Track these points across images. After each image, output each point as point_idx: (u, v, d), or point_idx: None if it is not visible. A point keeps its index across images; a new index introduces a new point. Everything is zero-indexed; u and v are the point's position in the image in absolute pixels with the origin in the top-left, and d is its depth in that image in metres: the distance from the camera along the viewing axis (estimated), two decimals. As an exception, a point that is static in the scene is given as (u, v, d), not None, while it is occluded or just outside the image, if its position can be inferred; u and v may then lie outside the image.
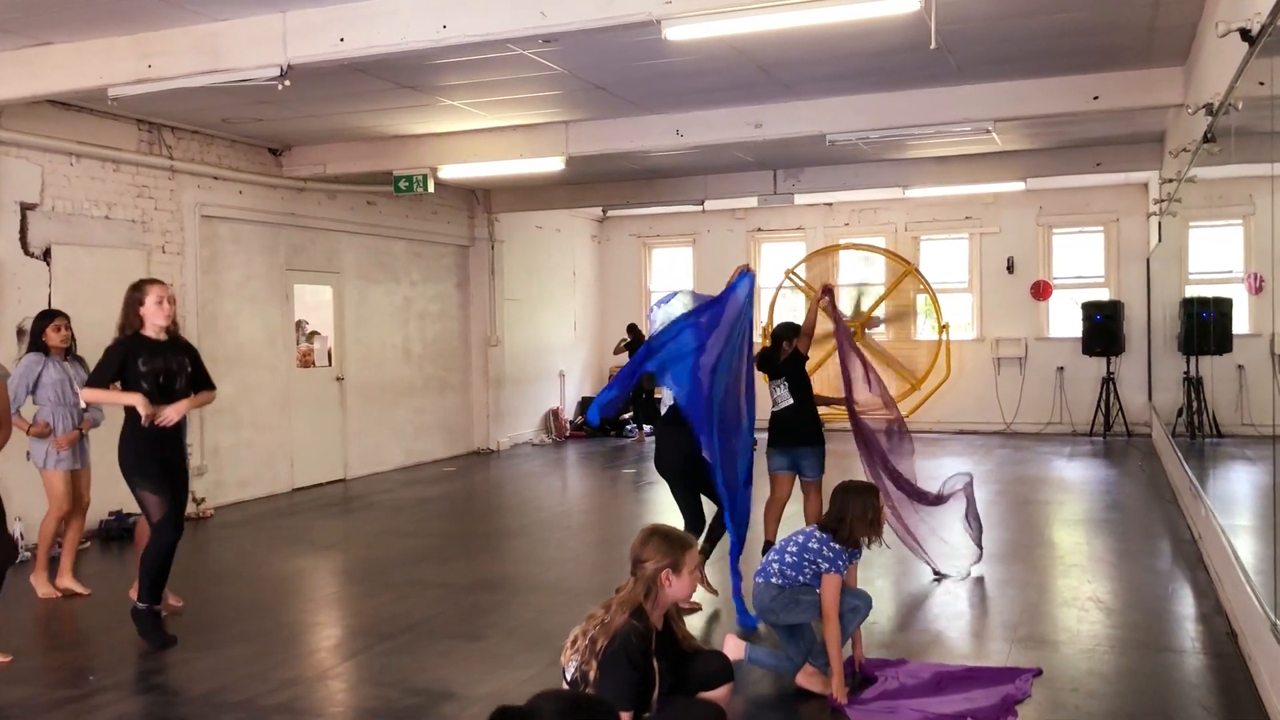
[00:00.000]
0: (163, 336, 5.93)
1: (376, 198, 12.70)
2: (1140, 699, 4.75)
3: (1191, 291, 10.16)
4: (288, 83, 6.81)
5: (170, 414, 5.78)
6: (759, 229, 17.63)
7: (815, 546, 4.87)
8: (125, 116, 9.47)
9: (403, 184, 11.11)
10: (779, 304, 16.47)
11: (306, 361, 12.05)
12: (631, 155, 11.70)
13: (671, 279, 18.42)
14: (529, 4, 6.11)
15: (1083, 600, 6.43)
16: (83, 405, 6.84)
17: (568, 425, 16.77)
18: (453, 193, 14.29)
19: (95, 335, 7.19)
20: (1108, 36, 7.68)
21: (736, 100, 9.49)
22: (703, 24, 5.92)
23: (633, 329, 16.41)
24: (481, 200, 14.85)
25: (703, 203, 14.91)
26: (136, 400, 5.70)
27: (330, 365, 12.36)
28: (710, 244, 17.83)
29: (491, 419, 14.97)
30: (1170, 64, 8.38)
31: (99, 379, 5.75)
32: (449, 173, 11.29)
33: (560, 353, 17.06)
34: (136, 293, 5.89)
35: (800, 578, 4.87)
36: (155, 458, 5.77)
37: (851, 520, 4.85)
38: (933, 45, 5.80)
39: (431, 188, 11.11)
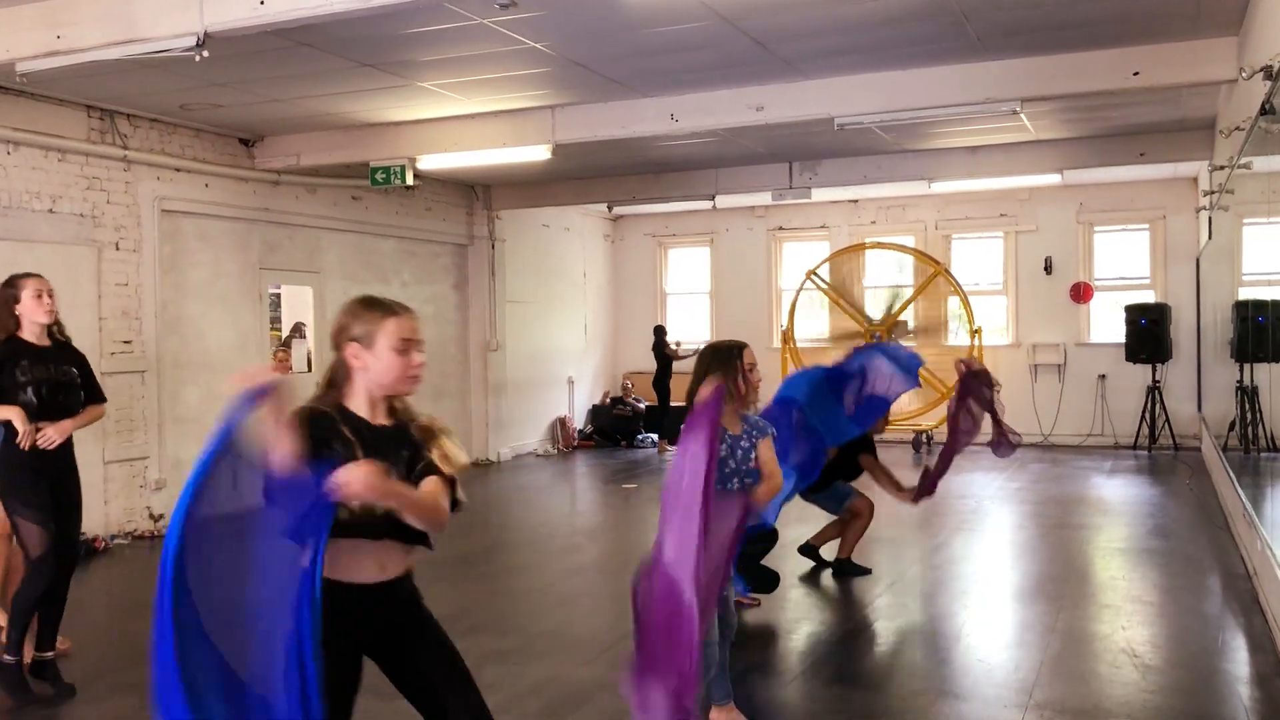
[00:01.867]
0: (45, 341, 5.15)
1: (362, 193, 11.92)
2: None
3: (1245, 294, 9.16)
4: (206, 54, 6.01)
5: (53, 434, 5.00)
6: (780, 227, 16.69)
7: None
8: (72, 102, 8.76)
9: (379, 175, 10.31)
10: (799, 307, 15.51)
11: (284, 366, 11.29)
12: (635, 146, 10.83)
13: (688, 280, 17.54)
14: (464, -44, 5.28)
15: (1115, 653, 5.46)
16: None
17: (576, 434, 15.92)
18: (449, 189, 13.50)
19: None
20: (1150, 1, 6.71)
21: (735, 80, 8.60)
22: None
23: (659, 330, 15.55)
24: (481, 196, 14.05)
25: (713, 198, 14.02)
26: (12, 415, 4.92)
27: (310, 370, 11.60)
28: (729, 243, 16.93)
29: (491, 428, 14.14)
30: (1222, 34, 7.36)
31: None
32: (430, 163, 10.47)
33: (570, 358, 16.21)
34: (9, 289, 5.10)
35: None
36: (38, 481, 4.99)
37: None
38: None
39: (410, 180, 10.29)
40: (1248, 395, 8.79)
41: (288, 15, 5.79)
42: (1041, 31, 7.31)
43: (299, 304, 12.29)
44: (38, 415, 4.95)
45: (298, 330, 12.50)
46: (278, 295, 12.29)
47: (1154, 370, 14.05)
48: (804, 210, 16.06)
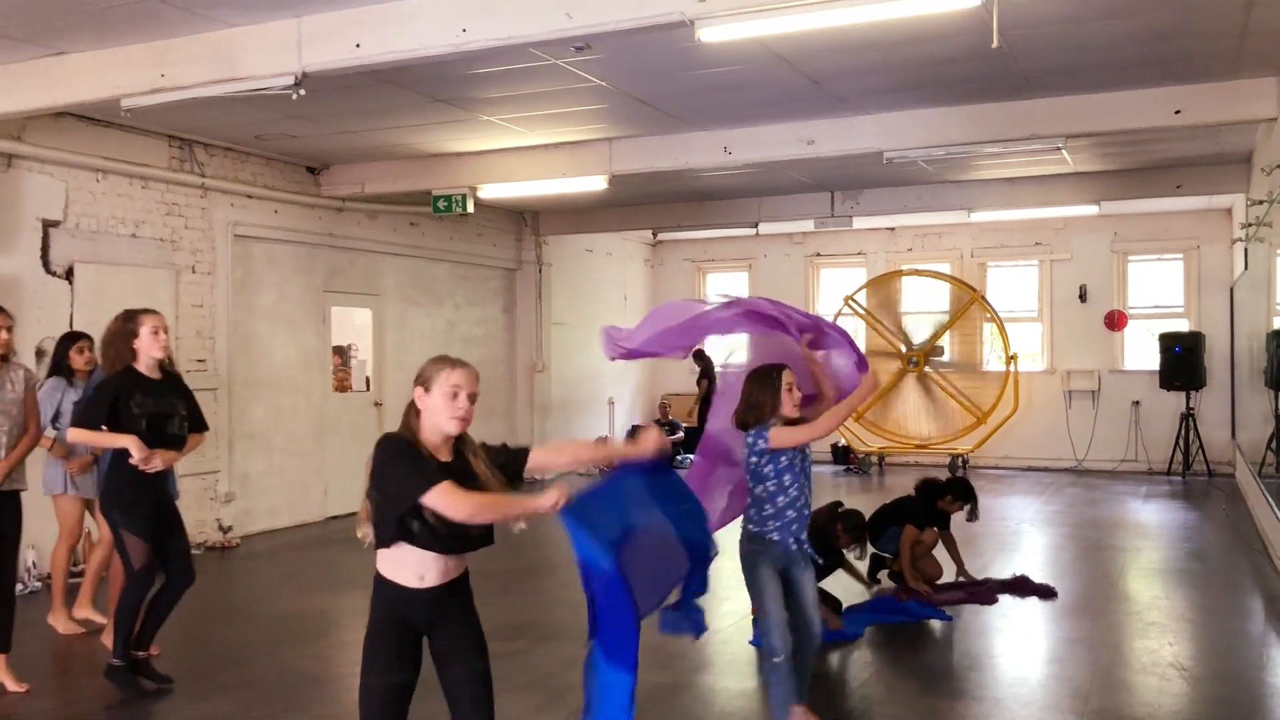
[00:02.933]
0: (156, 374, 5.51)
1: (419, 219, 12.34)
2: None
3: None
4: (302, 92, 6.42)
5: (159, 464, 5.36)
6: (817, 254, 17.03)
7: (745, 451, 4.65)
8: (155, 132, 9.22)
9: (441, 204, 10.73)
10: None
11: (343, 386, 11.69)
12: (682, 175, 11.20)
13: (727, 305, 17.86)
14: (553, 6, 5.66)
15: (1163, 667, 5.73)
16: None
17: (617, 454, 16.23)
18: (499, 214, 13.91)
19: None
20: (1193, 43, 7.03)
21: (788, 115, 8.96)
22: (738, 24, 5.41)
23: (699, 355, 15.87)
24: (529, 222, 14.46)
25: (756, 225, 14.34)
26: (129, 442, 5.26)
27: (368, 390, 12.00)
28: (767, 269, 17.27)
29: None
30: (1262, 74, 7.67)
31: (89, 419, 5.31)
32: (490, 192, 10.89)
33: (610, 380, 16.55)
34: (129, 323, 5.46)
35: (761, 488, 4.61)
36: (148, 500, 5.37)
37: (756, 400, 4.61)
38: (994, 44, 5.23)
39: (471, 208, 10.70)
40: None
41: (383, 57, 6.20)
42: (1087, 72, 7.63)
43: (347, 326, 12.67)
44: (147, 444, 5.30)
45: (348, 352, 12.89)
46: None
47: (1187, 397, 14.25)
48: (841, 237, 16.39)
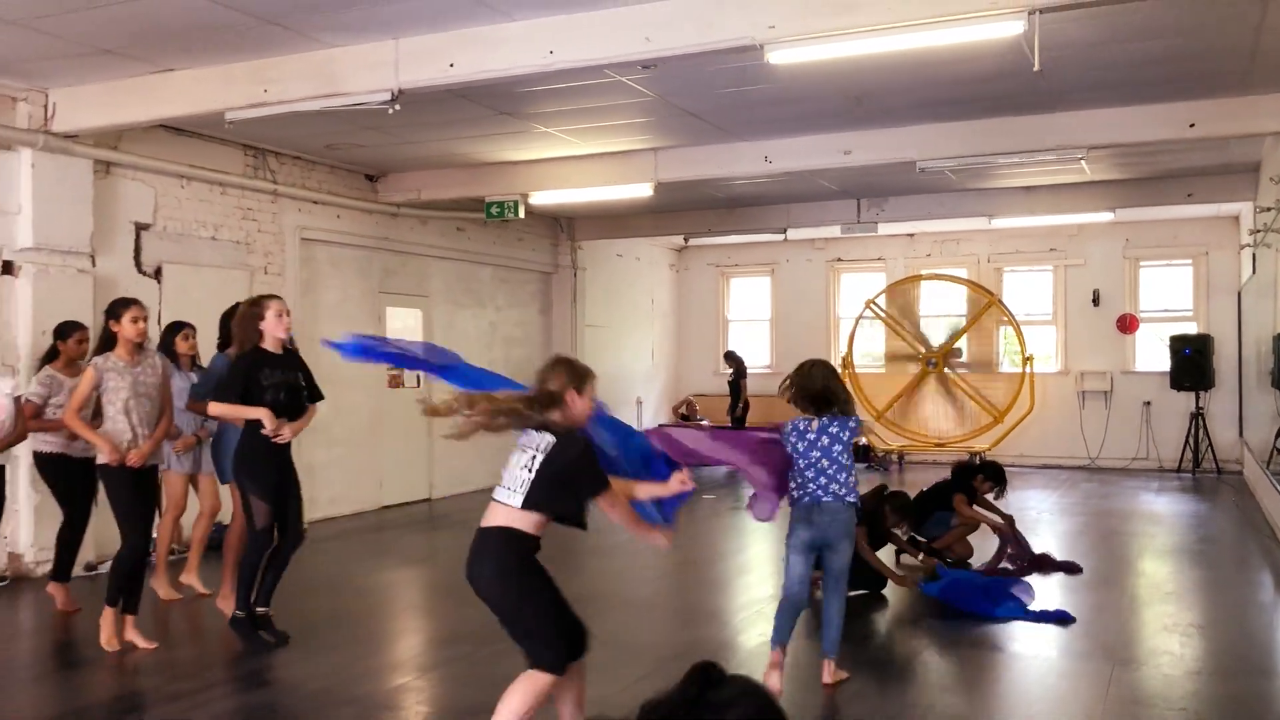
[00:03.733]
0: (279, 350, 6.14)
1: (466, 224, 12.98)
2: (1251, 723, 4.69)
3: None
4: (398, 107, 7.05)
5: (287, 433, 5.98)
6: (838, 259, 17.64)
7: (839, 434, 5.17)
8: (232, 142, 9.85)
9: (494, 209, 11.36)
10: (858, 333, 16.45)
11: (396, 383, 12.32)
12: (715, 183, 11.84)
13: (750, 308, 18.50)
14: (634, 30, 6.28)
15: (1184, 626, 6.34)
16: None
17: (645, 452, 16.83)
18: (538, 220, 14.54)
19: (201, 351, 7.58)
20: (1207, 62, 7.65)
21: (826, 127, 9.59)
22: (805, 48, 6.03)
23: (730, 356, 16.50)
24: (565, 228, 15.09)
25: (785, 231, 14.97)
26: (263, 414, 5.88)
27: (419, 386, 12.61)
28: (789, 273, 17.89)
29: (571, 444, 15.10)
30: (1270, 90, 8.30)
31: (225, 394, 5.93)
32: (539, 199, 11.52)
33: (638, 380, 17.19)
34: (255, 308, 6.09)
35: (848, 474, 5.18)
36: (273, 468, 5.98)
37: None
38: (1035, 68, 5.84)
39: (522, 213, 11.35)
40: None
41: (475, 76, 6.83)
42: (1109, 88, 8.26)
43: (400, 325, 13.28)
44: (278, 414, 5.93)
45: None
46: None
47: (1197, 397, 14.85)
48: (862, 243, 17.00)
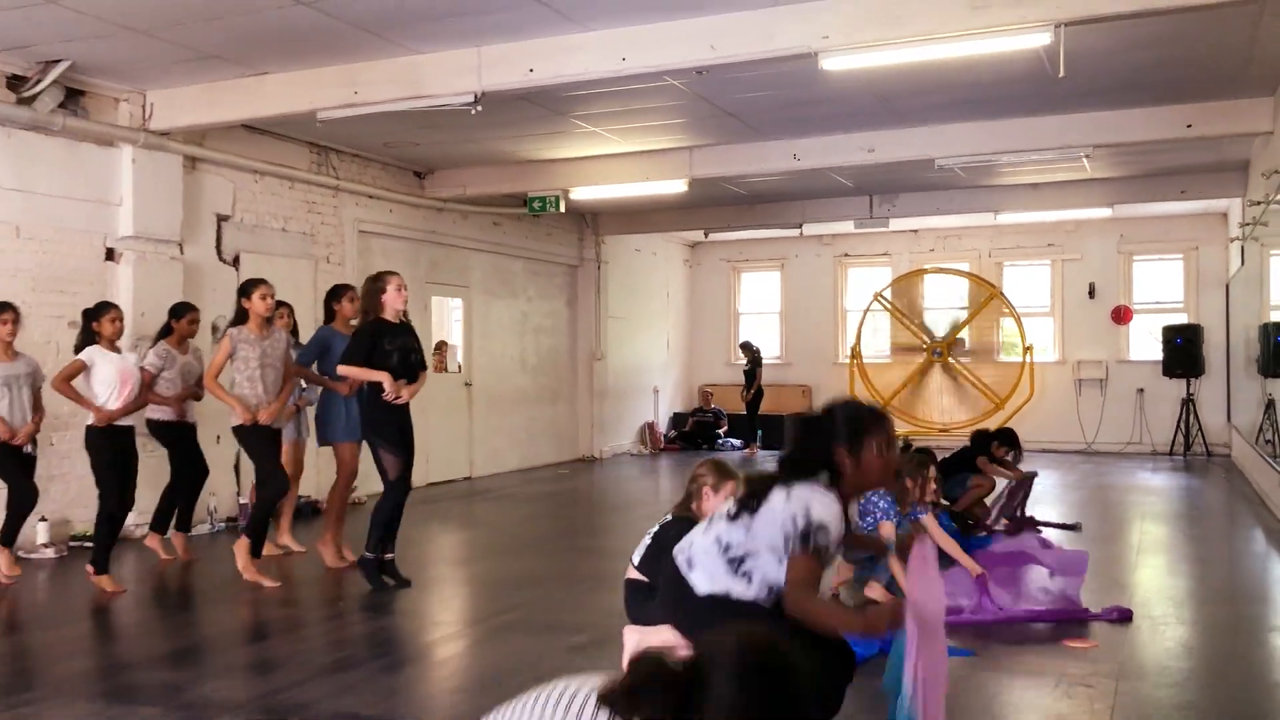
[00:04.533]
0: (397, 321, 6.87)
1: (502, 219, 13.74)
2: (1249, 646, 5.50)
3: (1275, 316, 10.88)
4: (479, 108, 7.81)
5: (406, 396, 6.70)
6: (846, 254, 18.45)
7: (874, 498, 5.74)
8: (300, 140, 10.58)
9: (536, 204, 12.14)
10: (865, 324, 17.28)
11: (440, 367, 13.06)
12: (736, 180, 12.62)
13: (760, 301, 19.29)
14: (700, 38, 7.06)
15: (1188, 564, 7.20)
16: (302, 385, 7.84)
17: (662, 438, 17.64)
18: (565, 216, 15.26)
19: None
20: (1205, 69, 8.47)
21: (852, 127, 10.36)
22: (854, 56, 6.82)
23: (746, 346, 17.26)
24: (590, 223, 15.85)
25: (800, 226, 15.76)
26: (384, 377, 6.60)
27: (460, 371, 13.37)
28: (797, 268, 18.68)
29: (595, 429, 15.90)
30: (1261, 94, 9.13)
31: (353, 357, 6.67)
32: (580, 195, 12.29)
33: (655, 370, 17.96)
34: (377, 282, 6.82)
35: (864, 525, 5.75)
36: (396, 425, 6.71)
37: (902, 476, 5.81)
38: (1060, 74, 6.64)
39: (563, 208, 12.12)
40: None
41: (552, 80, 7.59)
42: (1115, 91, 9.07)
43: (443, 315, 14.03)
44: (396, 376, 6.68)
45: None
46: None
47: (1188, 384, 15.72)
48: (868, 239, 17.82)
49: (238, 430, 6.73)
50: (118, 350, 6.96)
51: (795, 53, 6.87)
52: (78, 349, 6.88)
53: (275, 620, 6.19)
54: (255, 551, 6.89)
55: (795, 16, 6.76)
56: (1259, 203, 10.02)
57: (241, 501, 9.37)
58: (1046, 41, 6.37)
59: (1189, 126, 9.42)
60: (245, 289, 6.80)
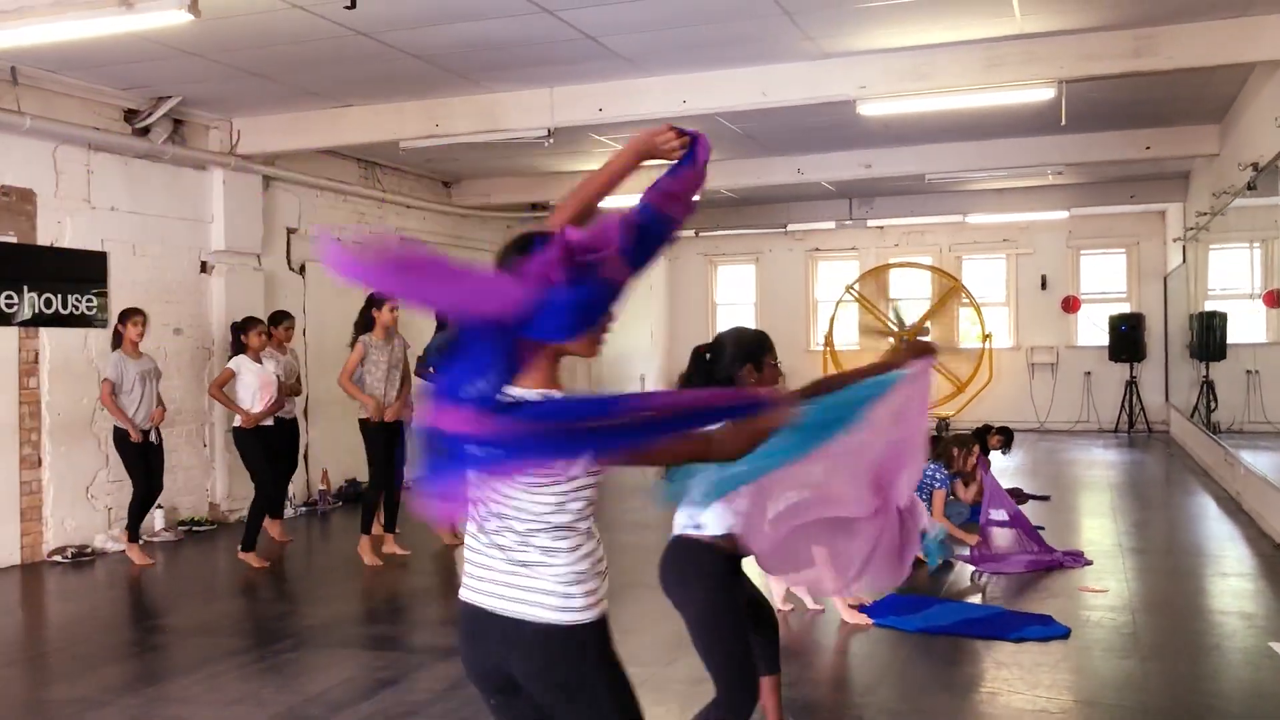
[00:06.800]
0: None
1: (514, 223, 14.79)
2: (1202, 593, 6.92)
3: (1208, 306, 12.47)
4: (552, 140, 8.89)
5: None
6: (816, 249, 19.76)
7: (929, 470, 7.00)
8: (350, 157, 11.54)
9: (558, 212, 13.19)
10: (839, 315, 18.64)
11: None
12: (734, 187, 13.81)
13: (736, 293, 20.55)
14: (753, 85, 8.23)
15: (1152, 510, 8.63)
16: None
17: (650, 423, 18.83)
18: (565, 217, 16.36)
19: (335, 336, 9.39)
20: (1164, 102, 9.86)
21: (850, 145, 11.61)
22: (888, 103, 8.05)
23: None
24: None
25: (785, 226, 17.00)
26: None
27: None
28: (771, 262, 19.95)
29: (593, 415, 17.02)
30: (1209, 121, 10.58)
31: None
32: (596, 202, 13.35)
33: (641, 358, 19.15)
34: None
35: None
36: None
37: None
38: (1062, 122, 7.96)
39: (582, 215, 13.18)
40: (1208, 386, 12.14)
41: (618, 118, 8.71)
42: (1086, 119, 10.43)
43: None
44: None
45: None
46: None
47: (1131, 368, 17.33)
48: (837, 234, 19.12)
49: (363, 425, 7.77)
50: (260, 361, 7.95)
51: (837, 99, 8.08)
52: (229, 358, 7.90)
53: (427, 586, 7.28)
54: (389, 526, 7.93)
55: (838, 68, 7.97)
56: (1205, 214, 11.50)
57: (319, 489, 10.38)
58: (1051, 96, 7.67)
59: (1148, 148, 10.85)
60: (376, 301, 7.82)
